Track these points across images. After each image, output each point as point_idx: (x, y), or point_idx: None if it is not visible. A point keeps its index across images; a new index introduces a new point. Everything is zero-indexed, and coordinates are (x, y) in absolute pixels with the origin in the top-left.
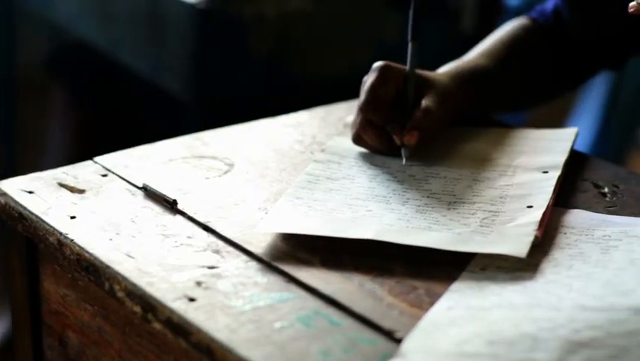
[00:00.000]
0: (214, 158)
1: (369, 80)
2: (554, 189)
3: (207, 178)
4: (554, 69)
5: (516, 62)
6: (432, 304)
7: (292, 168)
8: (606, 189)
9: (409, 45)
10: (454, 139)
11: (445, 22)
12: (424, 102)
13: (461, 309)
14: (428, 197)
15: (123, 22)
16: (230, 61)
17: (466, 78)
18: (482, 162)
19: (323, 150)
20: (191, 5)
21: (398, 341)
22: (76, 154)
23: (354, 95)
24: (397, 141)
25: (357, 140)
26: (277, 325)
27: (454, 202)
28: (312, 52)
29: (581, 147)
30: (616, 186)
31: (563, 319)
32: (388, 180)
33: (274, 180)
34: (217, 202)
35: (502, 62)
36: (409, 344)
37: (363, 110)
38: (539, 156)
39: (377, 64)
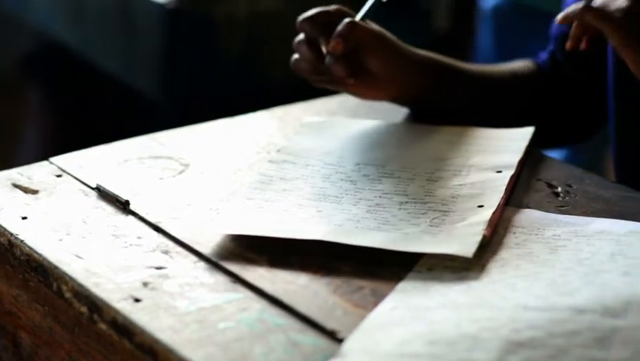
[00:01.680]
0: (169, 158)
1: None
2: (506, 189)
3: (161, 179)
4: (556, 112)
5: (505, 82)
6: (377, 304)
7: (247, 168)
8: (559, 189)
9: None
10: (410, 138)
11: (417, 22)
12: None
13: (405, 309)
14: (380, 197)
15: (95, 22)
16: (200, 60)
17: (434, 64)
18: (437, 162)
19: (278, 150)
20: (161, 5)
21: (340, 341)
22: (52, 155)
23: (326, 95)
24: (325, 48)
25: (294, 62)
26: (221, 325)
27: (406, 202)
28: (283, 52)
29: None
30: (569, 186)
31: (505, 319)
32: (342, 179)
33: (228, 180)
34: (169, 203)
35: (486, 76)
36: (350, 345)
37: (298, 25)
38: (494, 155)
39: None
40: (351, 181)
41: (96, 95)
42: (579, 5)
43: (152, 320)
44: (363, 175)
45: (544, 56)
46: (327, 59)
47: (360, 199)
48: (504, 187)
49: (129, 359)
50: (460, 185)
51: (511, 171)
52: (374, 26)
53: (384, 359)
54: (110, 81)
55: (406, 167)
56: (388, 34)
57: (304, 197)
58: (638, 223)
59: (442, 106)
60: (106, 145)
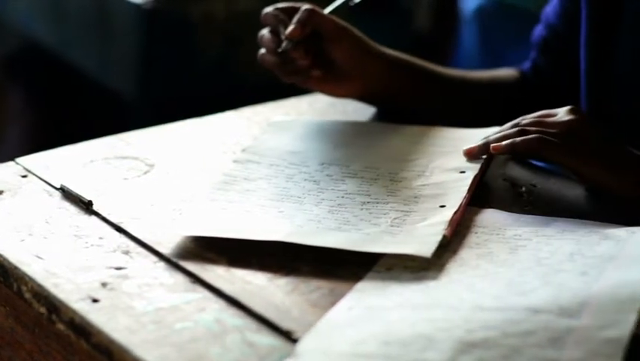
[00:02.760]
0: (135, 158)
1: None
2: (469, 189)
3: (126, 179)
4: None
5: (479, 83)
6: (334, 304)
7: (213, 168)
8: (523, 189)
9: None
10: (375, 137)
11: (397, 21)
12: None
13: (361, 309)
14: (342, 197)
15: (73, 23)
16: (177, 61)
17: (404, 63)
18: (401, 162)
19: (243, 150)
20: (137, 5)
21: (296, 341)
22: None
23: (303, 95)
24: (282, 35)
25: (261, 56)
26: (178, 326)
27: (368, 202)
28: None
29: None
30: (534, 186)
31: (460, 319)
32: (305, 180)
33: (193, 180)
34: (133, 203)
35: (463, 80)
36: (305, 345)
37: (262, 17)
38: (458, 156)
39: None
40: (314, 181)
41: (75, 95)
42: (511, 131)
43: (109, 320)
44: (327, 175)
45: (527, 62)
46: (285, 44)
47: (323, 199)
48: (466, 188)
49: (87, 359)
50: (423, 185)
51: (475, 172)
52: (340, 21)
53: (338, 359)
54: (88, 82)
55: (369, 167)
56: (355, 29)
57: (267, 198)
58: (598, 223)
59: (411, 107)
60: (73, 145)
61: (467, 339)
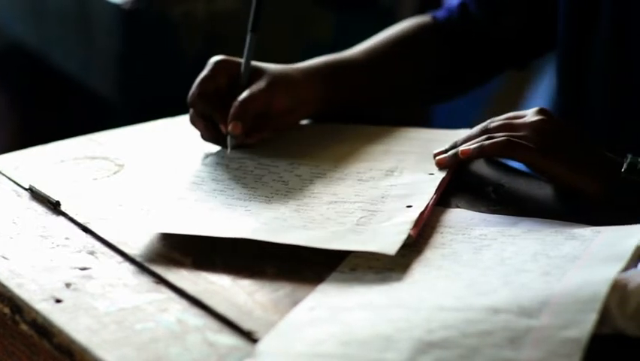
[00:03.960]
0: (105, 158)
1: (201, 74)
2: (437, 189)
3: (95, 179)
4: (452, 66)
5: (400, 58)
6: (296, 304)
7: (183, 169)
8: (491, 188)
9: (248, 36)
10: (346, 138)
11: (378, 20)
12: (246, 91)
13: (323, 309)
14: (309, 196)
15: (53, 23)
16: (158, 61)
17: (326, 70)
18: (370, 162)
19: (213, 152)
20: (117, 5)
21: (256, 341)
22: None
23: None
24: (223, 130)
25: (201, 136)
26: (139, 326)
27: (335, 202)
28: (241, 52)
29: None
30: (502, 186)
31: (420, 319)
32: (274, 180)
33: (162, 180)
34: (101, 203)
35: (381, 57)
36: (265, 345)
37: (190, 102)
38: (428, 157)
39: (212, 58)
40: (283, 181)
41: (57, 96)
42: (479, 134)
43: (71, 320)
44: (296, 175)
45: (450, 7)
46: (229, 140)
47: (290, 199)
48: (434, 188)
49: (50, 359)
50: (391, 185)
51: (443, 174)
52: (258, 64)
53: (296, 359)
54: (70, 82)
55: (338, 167)
56: (271, 68)
57: (234, 197)
58: (565, 223)
59: (356, 105)
60: (44, 145)
61: (426, 339)
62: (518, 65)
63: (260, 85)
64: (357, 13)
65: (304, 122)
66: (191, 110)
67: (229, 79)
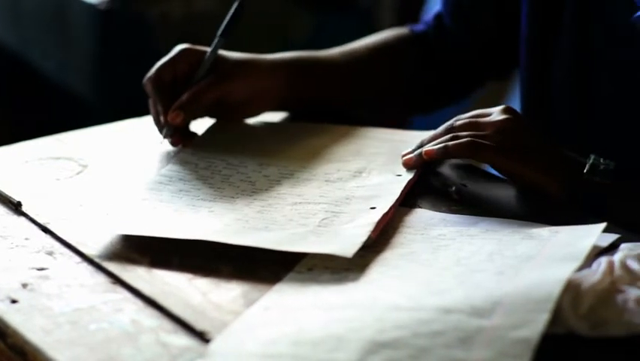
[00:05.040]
0: (69, 159)
1: (162, 59)
2: (402, 191)
3: (58, 179)
4: (430, 78)
5: (374, 62)
6: (252, 304)
7: (148, 169)
8: (453, 188)
9: (216, 39)
10: (316, 138)
11: (356, 21)
12: (198, 84)
13: (277, 309)
14: (275, 197)
15: (31, 23)
16: (135, 61)
17: (294, 63)
18: (339, 163)
19: (182, 151)
20: (93, 5)
21: (209, 341)
22: None
23: None
24: (162, 120)
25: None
26: (93, 327)
27: (299, 203)
28: None
29: None
30: (464, 186)
31: (372, 319)
32: (241, 180)
33: (126, 181)
34: (62, 204)
35: (356, 60)
36: (217, 345)
37: (144, 84)
38: (396, 158)
39: (178, 46)
40: (250, 182)
41: (35, 96)
42: (444, 134)
43: (26, 321)
44: (264, 176)
45: (428, 19)
46: (165, 130)
47: (255, 199)
48: (399, 190)
49: (5, 359)
50: (358, 187)
51: (410, 175)
52: (223, 53)
53: (247, 359)
54: (47, 82)
55: (307, 167)
56: (234, 56)
57: (199, 198)
58: (523, 222)
59: (326, 103)
60: (9, 146)
61: (377, 339)
62: (497, 76)
63: (217, 75)
64: (335, 15)
65: (277, 120)
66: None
67: (189, 68)
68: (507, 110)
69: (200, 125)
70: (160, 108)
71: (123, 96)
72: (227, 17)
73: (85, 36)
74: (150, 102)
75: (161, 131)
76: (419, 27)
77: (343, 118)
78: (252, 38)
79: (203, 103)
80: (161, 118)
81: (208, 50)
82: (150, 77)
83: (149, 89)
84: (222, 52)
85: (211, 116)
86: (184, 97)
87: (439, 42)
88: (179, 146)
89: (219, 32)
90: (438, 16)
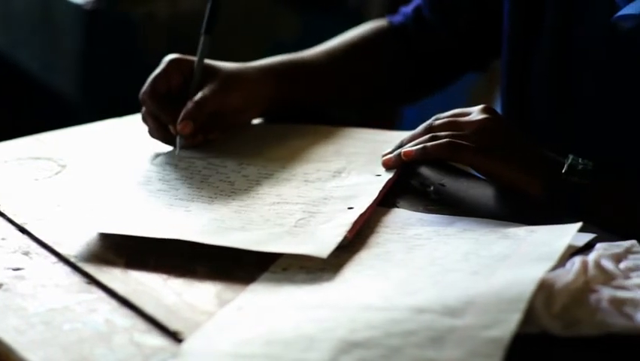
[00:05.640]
0: (48, 159)
1: (154, 72)
2: (381, 191)
3: (36, 179)
4: (410, 69)
5: (356, 60)
6: (226, 304)
7: (127, 169)
8: (432, 188)
9: (201, 38)
10: (297, 138)
11: (344, 21)
12: (200, 92)
13: (250, 309)
14: (253, 197)
15: (17, 23)
16: (121, 60)
17: (281, 68)
18: (318, 163)
19: (162, 152)
20: (78, 6)
21: (182, 342)
22: None
23: None
24: (172, 131)
25: (149, 133)
26: (66, 327)
27: (278, 203)
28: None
29: None
30: (442, 185)
31: (345, 319)
32: (220, 180)
33: (104, 181)
34: (40, 204)
35: (339, 58)
36: (189, 345)
37: (141, 100)
38: (375, 158)
39: (167, 57)
40: (229, 182)
41: (21, 95)
42: (423, 135)
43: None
44: (243, 176)
45: (406, 10)
46: (179, 142)
47: (233, 200)
48: (378, 191)
49: None
50: (337, 187)
51: (390, 176)
52: (212, 63)
53: (219, 359)
54: (34, 82)
55: (286, 168)
56: (225, 66)
57: (177, 197)
58: (500, 222)
59: (313, 105)
60: None
61: (350, 339)
62: (477, 67)
63: (214, 86)
64: (323, 14)
65: (257, 121)
66: (142, 108)
67: (182, 78)
68: (486, 110)
69: None
70: (165, 119)
71: (109, 96)
72: (207, 14)
73: (71, 36)
74: (145, 114)
75: (165, 141)
76: (397, 18)
77: (327, 119)
78: (240, 38)
79: (206, 112)
80: (171, 129)
81: (195, 59)
82: (146, 92)
83: (148, 103)
84: (213, 62)
85: (205, 128)
86: (189, 107)
87: (418, 34)
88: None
89: (203, 30)
90: (417, 8)
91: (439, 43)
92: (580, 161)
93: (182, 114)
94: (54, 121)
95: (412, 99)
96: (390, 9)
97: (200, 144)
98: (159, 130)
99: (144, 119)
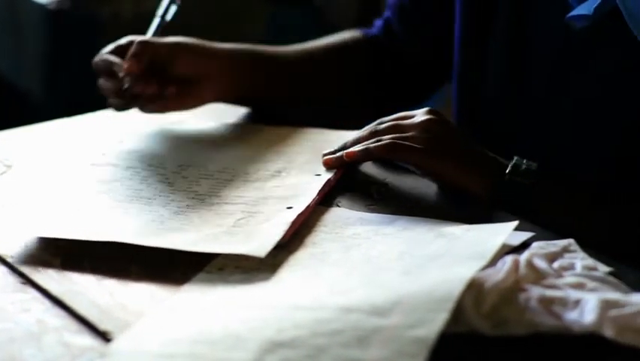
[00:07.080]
0: None
1: (135, 41)
2: (320, 190)
3: None
4: (382, 81)
5: (325, 62)
6: (159, 304)
7: (72, 170)
8: (375, 187)
9: (156, 19)
10: (235, 139)
11: (310, 17)
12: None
13: (182, 310)
14: (192, 198)
15: None
16: (86, 60)
17: (247, 54)
18: (258, 163)
19: (103, 154)
20: (42, 6)
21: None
22: None
23: None
24: (121, 75)
25: (108, 104)
26: None
27: (217, 203)
28: None
29: None
30: (385, 184)
31: (274, 318)
32: (160, 181)
33: (49, 183)
34: None
35: (312, 59)
36: (117, 345)
37: (94, 63)
38: (316, 158)
39: (138, 38)
40: (169, 183)
41: None
42: (367, 135)
43: None
44: (183, 177)
45: (378, 23)
46: (126, 81)
47: (173, 200)
48: (317, 190)
49: None
50: (276, 187)
51: (329, 175)
52: (170, 38)
53: (145, 358)
54: (1, 82)
55: (227, 168)
56: (190, 38)
57: (116, 199)
58: (439, 221)
59: (269, 96)
60: None
61: (276, 338)
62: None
63: (167, 38)
64: (290, 9)
65: (195, 121)
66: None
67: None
68: (430, 112)
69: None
70: (117, 68)
71: (74, 95)
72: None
73: (35, 36)
74: (100, 82)
75: (119, 104)
76: (372, 31)
77: (278, 119)
78: (204, 33)
79: (153, 52)
80: (120, 74)
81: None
82: (100, 57)
83: (99, 64)
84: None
85: (157, 103)
86: (134, 48)
87: (390, 46)
88: (151, 107)
89: (159, 14)
90: (386, 21)
91: (410, 55)
92: (524, 162)
93: (128, 53)
94: (19, 121)
95: (391, 108)
96: (358, 7)
97: (158, 104)
98: (116, 92)
99: (100, 87)
